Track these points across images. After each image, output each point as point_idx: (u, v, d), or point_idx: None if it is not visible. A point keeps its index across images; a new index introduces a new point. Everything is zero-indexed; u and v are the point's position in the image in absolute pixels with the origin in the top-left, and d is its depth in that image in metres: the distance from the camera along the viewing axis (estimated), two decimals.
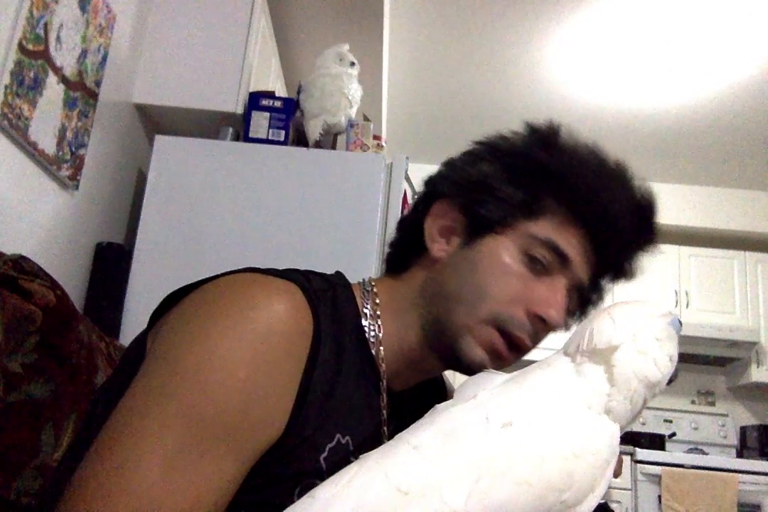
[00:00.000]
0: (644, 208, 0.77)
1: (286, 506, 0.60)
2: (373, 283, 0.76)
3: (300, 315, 0.64)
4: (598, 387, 0.59)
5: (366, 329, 0.71)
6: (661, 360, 0.60)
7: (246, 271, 0.68)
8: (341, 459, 0.64)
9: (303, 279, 0.68)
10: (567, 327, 0.79)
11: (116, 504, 0.54)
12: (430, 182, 0.79)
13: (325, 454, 0.64)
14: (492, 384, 0.61)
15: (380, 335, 0.72)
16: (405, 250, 0.79)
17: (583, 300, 0.78)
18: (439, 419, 0.58)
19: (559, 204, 0.72)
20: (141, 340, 0.70)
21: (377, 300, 0.74)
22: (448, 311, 0.71)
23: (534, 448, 0.55)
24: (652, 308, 0.64)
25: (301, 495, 0.61)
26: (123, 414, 0.59)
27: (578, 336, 0.63)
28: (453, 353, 0.71)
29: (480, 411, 0.57)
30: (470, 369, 0.71)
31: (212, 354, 0.59)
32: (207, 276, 0.69)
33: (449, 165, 0.78)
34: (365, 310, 0.73)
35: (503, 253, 0.71)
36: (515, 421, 0.56)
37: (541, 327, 0.71)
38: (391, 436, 0.71)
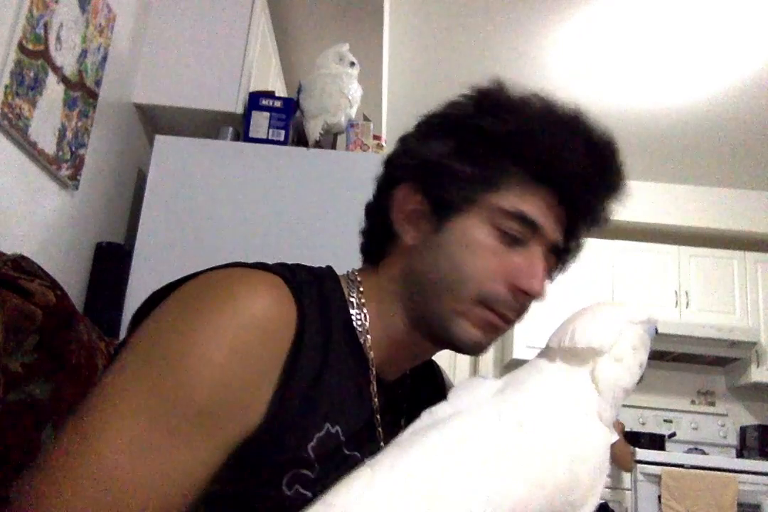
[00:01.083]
0: (603, 151, 0.73)
1: (274, 497, 0.60)
2: (356, 273, 0.76)
3: (283, 305, 0.63)
4: (589, 395, 0.60)
5: (353, 318, 0.71)
6: (634, 368, 0.62)
7: (229, 266, 0.68)
8: (332, 450, 0.64)
9: (287, 271, 0.68)
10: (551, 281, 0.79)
11: (83, 486, 0.54)
12: (389, 164, 0.77)
13: (313, 443, 0.63)
14: (484, 390, 0.62)
15: (367, 324, 0.72)
16: (377, 237, 0.78)
17: (563, 255, 0.77)
18: (447, 422, 0.58)
19: (517, 168, 0.69)
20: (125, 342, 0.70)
21: (361, 289, 0.74)
22: (433, 299, 0.70)
23: (545, 450, 0.56)
24: (633, 313, 0.64)
25: (289, 485, 0.61)
26: (95, 397, 0.59)
27: (561, 332, 0.64)
28: (447, 337, 0.71)
29: (490, 414, 0.58)
30: (467, 349, 0.72)
31: (190, 341, 0.59)
32: (188, 274, 0.69)
33: (403, 142, 0.76)
34: (351, 299, 0.72)
35: (473, 232, 0.69)
36: (526, 423, 0.57)
37: (525, 298, 0.71)
38: (387, 427, 0.71)
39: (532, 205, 0.69)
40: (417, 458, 0.55)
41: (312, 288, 0.69)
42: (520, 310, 0.72)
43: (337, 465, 0.64)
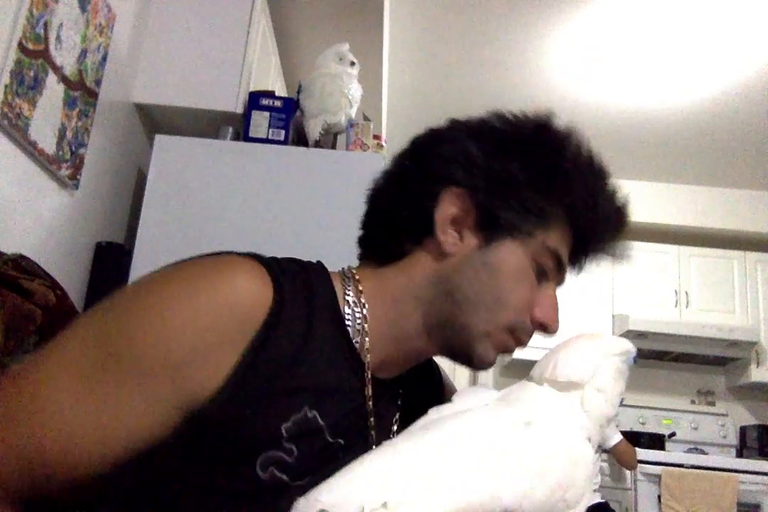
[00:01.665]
0: (622, 218, 0.78)
1: (248, 478, 0.61)
2: (353, 271, 0.75)
3: (257, 286, 0.64)
4: (580, 415, 0.65)
5: (348, 316, 0.71)
6: (615, 398, 0.67)
7: (215, 254, 0.69)
8: (310, 434, 0.65)
9: (272, 261, 0.69)
10: None
11: (26, 427, 0.57)
12: (438, 162, 0.73)
13: (288, 424, 0.63)
14: (488, 395, 0.67)
15: (366, 324, 0.71)
16: (399, 233, 0.74)
17: None
18: (456, 418, 0.62)
19: (567, 214, 0.73)
20: None
21: (360, 288, 0.72)
22: (466, 314, 0.71)
23: (548, 448, 0.60)
24: (611, 346, 0.69)
25: (264, 467, 0.62)
26: (47, 347, 0.62)
27: (543, 365, 0.68)
28: (467, 353, 0.72)
29: (498, 412, 0.63)
30: (477, 366, 0.73)
31: (150, 304, 0.62)
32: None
33: (460, 147, 0.72)
34: (347, 297, 0.72)
35: (520, 261, 0.71)
36: (533, 423, 0.61)
37: (541, 330, 0.75)
38: (380, 420, 0.72)
39: (564, 250, 0.74)
40: (418, 450, 0.57)
41: (296, 279, 0.69)
42: (532, 337, 0.76)
43: (318, 452, 0.65)
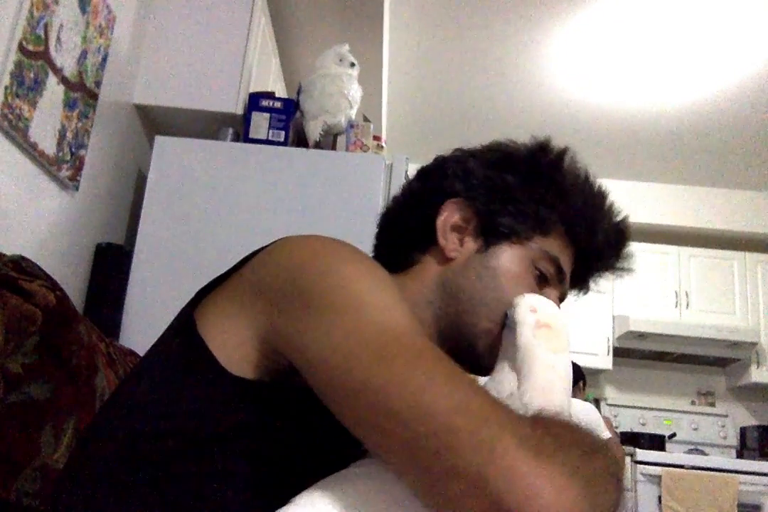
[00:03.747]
0: (622, 236, 0.84)
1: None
2: None
3: None
4: None
5: None
6: None
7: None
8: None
9: None
10: None
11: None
12: (441, 177, 0.80)
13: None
14: None
15: None
16: (407, 244, 0.80)
17: None
18: None
19: (565, 223, 0.78)
20: (183, 319, 0.69)
21: None
22: (470, 313, 0.74)
23: None
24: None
25: None
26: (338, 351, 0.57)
27: None
28: (471, 354, 0.74)
29: None
30: (483, 368, 0.74)
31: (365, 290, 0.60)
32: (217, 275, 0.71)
33: (461, 164, 0.80)
34: None
35: (518, 263, 0.76)
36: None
37: None
38: None
39: (564, 257, 0.78)
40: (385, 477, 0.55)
41: None
42: None
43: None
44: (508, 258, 0.76)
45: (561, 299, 0.81)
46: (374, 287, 0.60)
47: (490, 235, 0.77)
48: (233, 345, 0.63)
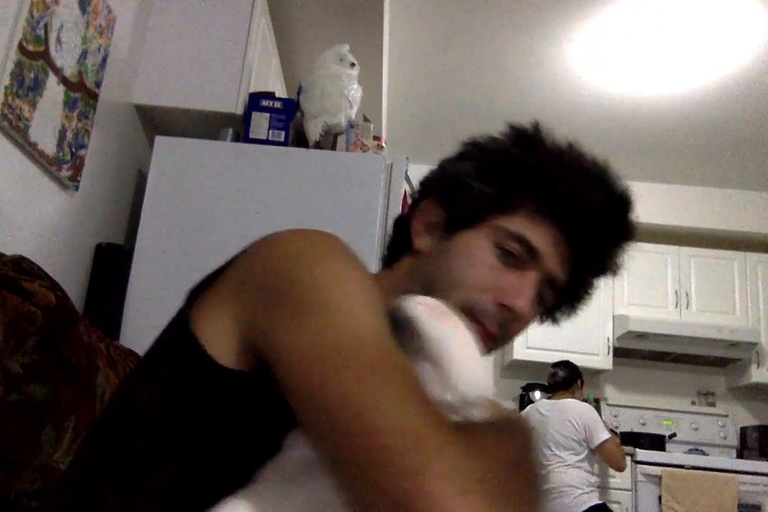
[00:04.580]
0: (617, 204, 0.79)
1: None
2: None
3: None
4: None
5: None
6: None
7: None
8: None
9: None
10: (555, 321, 0.85)
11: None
12: (422, 183, 0.86)
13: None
14: None
15: None
16: (396, 246, 0.85)
17: (568, 294, 0.82)
18: None
19: (532, 200, 0.76)
20: (177, 317, 0.70)
21: None
22: (432, 296, 0.74)
23: None
24: None
25: None
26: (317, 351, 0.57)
27: None
28: None
29: None
30: None
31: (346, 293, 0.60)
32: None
33: (439, 165, 0.84)
34: None
35: (476, 244, 0.76)
36: None
37: (510, 316, 0.74)
38: None
39: (536, 234, 0.75)
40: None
41: None
42: (504, 326, 0.75)
43: None
44: (464, 241, 0.76)
45: (549, 281, 0.77)
46: (349, 288, 0.60)
47: (453, 224, 0.78)
48: (219, 336, 0.64)
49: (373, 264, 2.32)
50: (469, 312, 0.72)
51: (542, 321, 0.85)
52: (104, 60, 2.07)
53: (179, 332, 0.67)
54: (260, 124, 2.29)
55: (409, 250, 0.82)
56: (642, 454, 3.78)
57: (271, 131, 2.29)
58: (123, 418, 0.67)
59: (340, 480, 0.53)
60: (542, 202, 0.75)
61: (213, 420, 0.63)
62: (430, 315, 0.65)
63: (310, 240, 0.65)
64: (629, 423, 4.39)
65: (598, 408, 4.13)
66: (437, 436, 0.50)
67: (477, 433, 0.55)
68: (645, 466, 3.73)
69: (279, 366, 0.58)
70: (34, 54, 1.68)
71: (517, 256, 0.74)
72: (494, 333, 0.74)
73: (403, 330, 0.65)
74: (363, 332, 0.57)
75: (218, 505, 0.56)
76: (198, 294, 0.70)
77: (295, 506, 0.56)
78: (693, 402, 4.59)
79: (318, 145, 2.30)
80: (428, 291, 0.73)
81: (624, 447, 3.61)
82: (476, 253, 0.75)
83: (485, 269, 0.74)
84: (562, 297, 0.81)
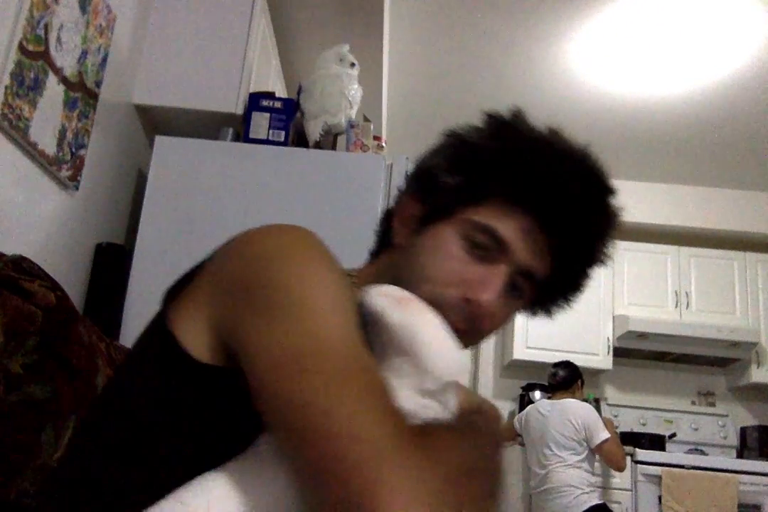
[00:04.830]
0: (593, 189, 0.75)
1: None
2: (354, 274, 0.81)
3: None
4: None
5: None
6: None
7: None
8: None
9: None
10: (548, 314, 0.83)
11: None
12: (405, 177, 0.90)
13: None
14: None
15: None
16: (380, 240, 0.85)
17: (556, 286, 0.78)
18: None
19: (502, 189, 0.73)
20: (158, 321, 0.71)
21: (354, 281, 0.78)
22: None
23: None
24: None
25: None
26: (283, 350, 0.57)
27: None
28: None
29: None
30: None
31: (317, 292, 0.60)
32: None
33: (417, 159, 0.85)
34: None
35: (443, 238, 0.74)
36: None
37: (476, 311, 0.71)
38: None
39: (506, 225, 0.72)
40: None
41: None
42: (471, 321, 0.72)
43: None
44: (434, 235, 0.75)
45: (525, 273, 0.73)
46: (319, 290, 0.60)
47: (428, 218, 0.77)
48: (195, 333, 0.64)
49: None
50: (437, 307, 0.69)
51: (534, 314, 0.83)
52: (104, 60, 2.07)
53: (158, 330, 0.68)
54: (260, 123, 2.29)
55: (391, 245, 0.81)
56: (642, 454, 3.78)
57: (271, 131, 2.29)
58: (107, 415, 0.67)
59: (300, 481, 0.53)
60: (511, 190, 0.72)
61: (192, 416, 0.63)
62: (393, 305, 0.65)
63: (282, 239, 0.65)
64: (629, 423, 4.39)
65: (598, 408, 4.13)
66: (394, 446, 0.50)
67: (437, 439, 0.56)
68: (645, 466, 3.73)
69: (247, 367, 0.58)
70: (34, 54, 1.68)
71: (484, 247, 0.72)
72: (462, 328, 0.70)
73: (372, 326, 0.65)
74: (330, 336, 0.57)
75: (196, 479, 0.56)
76: (176, 291, 0.71)
77: (270, 480, 0.56)
78: (693, 402, 4.59)
79: (318, 145, 2.30)
80: (399, 285, 0.71)
81: (624, 447, 3.60)
82: (443, 246, 0.73)
83: (452, 262, 0.72)
84: (549, 290, 0.78)
